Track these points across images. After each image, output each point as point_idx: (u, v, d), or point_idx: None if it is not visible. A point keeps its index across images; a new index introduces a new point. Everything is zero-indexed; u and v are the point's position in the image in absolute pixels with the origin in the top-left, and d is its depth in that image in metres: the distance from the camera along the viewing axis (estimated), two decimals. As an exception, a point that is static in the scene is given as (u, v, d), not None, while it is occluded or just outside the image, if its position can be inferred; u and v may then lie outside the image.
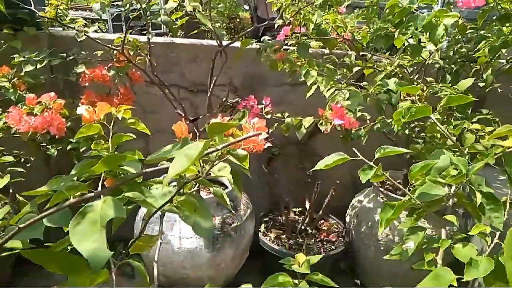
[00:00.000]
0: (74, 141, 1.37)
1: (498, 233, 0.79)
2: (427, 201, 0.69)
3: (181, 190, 0.58)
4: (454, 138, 0.93)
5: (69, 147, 1.39)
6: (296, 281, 0.70)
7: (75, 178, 0.54)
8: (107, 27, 5.61)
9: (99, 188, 0.54)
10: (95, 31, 1.54)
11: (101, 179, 0.51)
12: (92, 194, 0.50)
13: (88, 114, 0.69)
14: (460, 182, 0.72)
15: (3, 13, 1.53)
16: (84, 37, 1.46)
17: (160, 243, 0.70)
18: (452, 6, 1.44)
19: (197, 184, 0.61)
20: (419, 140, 1.34)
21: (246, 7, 6.22)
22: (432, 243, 0.78)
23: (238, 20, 6.06)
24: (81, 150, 1.23)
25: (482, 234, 0.78)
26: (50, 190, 0.45)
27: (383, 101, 1.21)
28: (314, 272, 0.71)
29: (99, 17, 6.33)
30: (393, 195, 1.68)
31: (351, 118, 1.19)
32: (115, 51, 1.54)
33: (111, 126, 0.66)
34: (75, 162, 0.99)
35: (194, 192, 0.55)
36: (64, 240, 0.48)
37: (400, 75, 1.35)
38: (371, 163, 0.71)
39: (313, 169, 0.74)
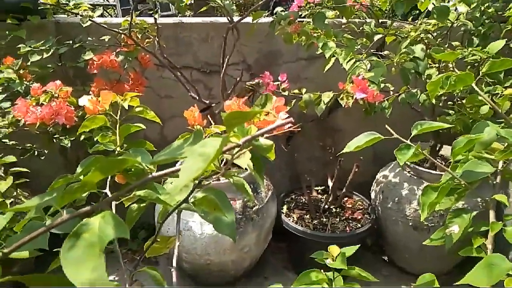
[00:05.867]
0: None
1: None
2: (473, 180, 0.62)
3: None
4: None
5: (82, 137, 1.35)
6: (330, 275, 0.63)
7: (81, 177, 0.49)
8: (116, 12, 5.52)
9: (107, 188, 0.49)
10: (101, 15, 1.47)
11: (108, 178, 0.46)
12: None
13: (92, 105, 0.64)
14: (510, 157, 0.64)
15: (6, 3, 1.48)
16: (89, 22, 1.39)
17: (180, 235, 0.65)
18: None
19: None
20: (450, 111, 1.24)
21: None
22: (480, 227, 0.71)
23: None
24: (94, 140, 1.18)
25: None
26: (39, 203, 0.39)
27: (409, 70, 1.12)
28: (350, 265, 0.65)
29: (107, 2, 6.25)
30: (421, 168, 1.60)
31: (374, 90, 1.09)
32: (122, 35, 1.47)
33: (117, 116, 0.60)
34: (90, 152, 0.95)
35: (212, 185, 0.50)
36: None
37: (426, 41, 1.24)
38: (408, 142, 0.64)
39: (342, 151, 0.67)
